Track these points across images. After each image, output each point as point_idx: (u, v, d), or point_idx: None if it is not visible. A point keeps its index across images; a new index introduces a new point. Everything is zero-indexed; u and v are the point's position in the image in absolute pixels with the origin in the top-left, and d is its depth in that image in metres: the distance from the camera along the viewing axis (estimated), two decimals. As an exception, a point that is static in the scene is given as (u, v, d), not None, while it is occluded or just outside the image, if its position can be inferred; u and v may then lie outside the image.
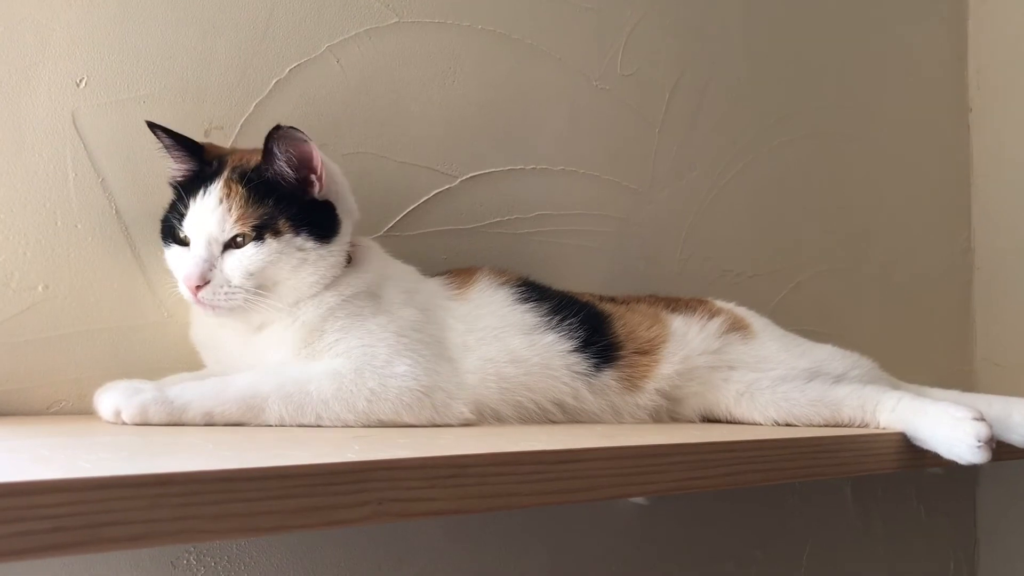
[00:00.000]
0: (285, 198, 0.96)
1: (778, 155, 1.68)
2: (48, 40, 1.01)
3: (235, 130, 1.12)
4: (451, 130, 1.30)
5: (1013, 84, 1.95)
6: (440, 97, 1.30)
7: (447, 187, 1.29)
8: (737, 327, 1.21)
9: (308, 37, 1.18)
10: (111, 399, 0.85)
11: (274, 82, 1.15)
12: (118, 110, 1.05)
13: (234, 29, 1.13)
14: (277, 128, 0.94)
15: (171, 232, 0.97)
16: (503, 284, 1.13)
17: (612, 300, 1.23)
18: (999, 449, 1.02)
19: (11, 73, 1.00)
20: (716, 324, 1.19)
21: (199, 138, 1.08)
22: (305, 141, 0.96)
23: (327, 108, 1.19)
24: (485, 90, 1.34)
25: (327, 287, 0.98)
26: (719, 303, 1.28)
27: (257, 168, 0.96)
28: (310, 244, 0.96)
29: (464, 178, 1.31)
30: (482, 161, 1.33)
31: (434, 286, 1.11)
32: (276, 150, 0.95)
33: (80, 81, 1.03)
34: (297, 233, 0.96)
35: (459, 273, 1.15)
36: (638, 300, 1.26)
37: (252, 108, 1.13)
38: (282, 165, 0.96)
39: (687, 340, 1.16)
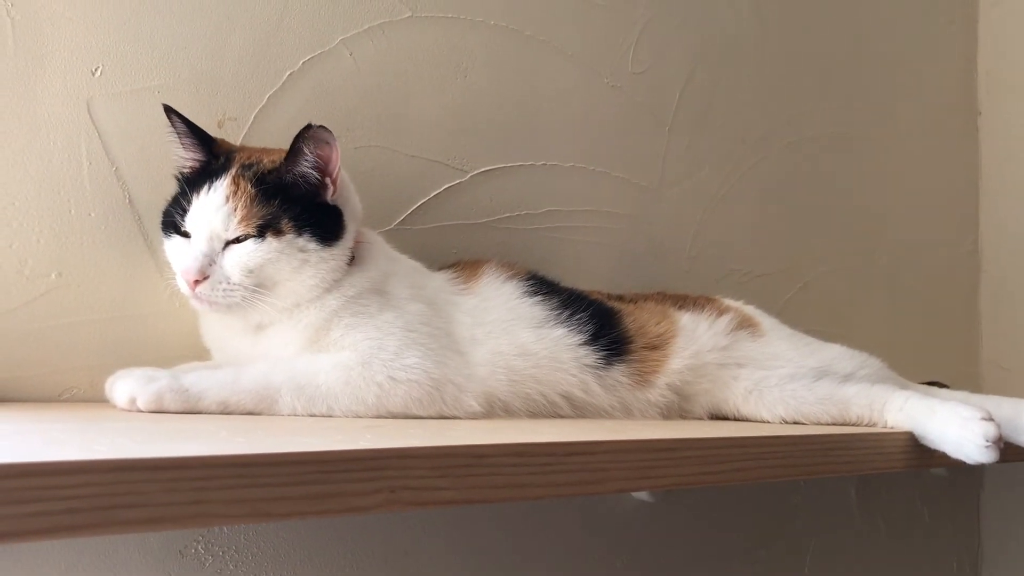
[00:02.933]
0: (292, 199, 0.95)
1: (787, 155, 1.68)
2: (64, 29, 1.02)
3: (248, 121, 1.12)
4: (462, 125, 1.30)
5: (1023, 88, 1.95)
6: (452, 92, 1.30)
7: (458, 182, 1.29)
8: (745, 325, 1.22)
9: (322, 30, 1.18)
10: (126, 386, 0.85)
11: (287, 74, 1.15)
12: (133, 99, 1.05)
13: (248, 21, 1.13)
14: (308, 128, 0.93)
15: (173, 224, 0.96)
16: (511, 277, 1.13)
17: (620, 298, 1.23)
18: (1006, 450, 1.02)
19: (27, 61, 1.00)
20: (725, 321, 1.20)
21: (212, 128, 1.08)
22: (331, 144, 0.95)
23: (340, 101, 1.19)
24: (496, 85, 1.34)
25: (328, 290, 0.97)
26: (727, 301, 1.28)
27: (276, 169, 0.95)
28: (312, 245, 0.95)
29: (475, 173, 1.31)
30: (493, 156, 1.33)
31: (440, 280, 1.11)
32: (305, 150, 0.94)
33: (95, 70, 1.03)
34: (299, 234, 0.94)
35: (465, 267, 1.15)
36: (646, 298, 1.26)
37: (265, 100, 1.14)
38: (305, 167, 0.95)
39: (696, 336, 1.16)
